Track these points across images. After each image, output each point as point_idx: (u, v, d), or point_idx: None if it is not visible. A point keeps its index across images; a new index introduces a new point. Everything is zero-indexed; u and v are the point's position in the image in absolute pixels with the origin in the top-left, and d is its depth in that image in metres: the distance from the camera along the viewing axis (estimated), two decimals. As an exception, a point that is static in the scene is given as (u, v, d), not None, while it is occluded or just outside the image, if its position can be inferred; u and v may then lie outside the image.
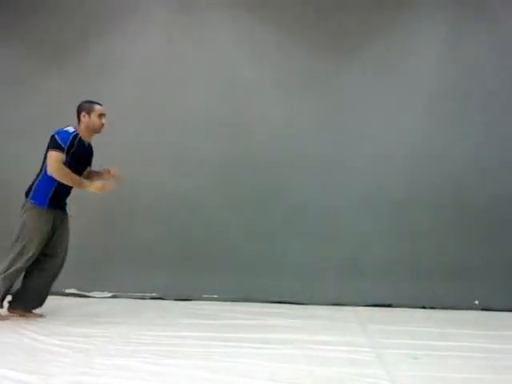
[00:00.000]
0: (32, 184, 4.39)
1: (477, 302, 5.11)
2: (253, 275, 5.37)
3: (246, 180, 5.52)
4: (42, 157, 4.38)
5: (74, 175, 4.32)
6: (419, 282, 5.25)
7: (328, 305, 5.25)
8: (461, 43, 5.46)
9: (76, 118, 4.46)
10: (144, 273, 5.45)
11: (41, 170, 4.39)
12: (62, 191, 4.41)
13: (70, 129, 4.37)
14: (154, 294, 5.47)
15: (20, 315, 4.44)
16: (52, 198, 4.36)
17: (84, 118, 4.43)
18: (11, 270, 4.31)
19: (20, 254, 4.32)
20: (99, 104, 4.47)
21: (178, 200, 5.55)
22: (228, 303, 5.27)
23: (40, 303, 4.53)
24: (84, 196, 4.60)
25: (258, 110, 5.54)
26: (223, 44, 5.61)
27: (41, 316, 4.48)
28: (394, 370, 3.34)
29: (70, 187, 4.42)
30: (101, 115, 4.45)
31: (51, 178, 4.30)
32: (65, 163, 4.29)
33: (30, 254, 4.33)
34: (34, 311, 4.52)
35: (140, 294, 5.46)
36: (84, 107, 4.45)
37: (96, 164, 4.63)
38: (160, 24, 5.68)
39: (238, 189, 5.53)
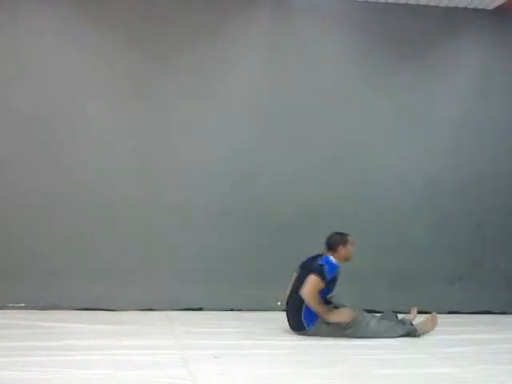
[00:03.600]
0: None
1: (279, 304, 5.37)
2: (63, 281, 5.25)
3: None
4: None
5: (323, 306, 4.53)
6: (229, 286, 5.43)
7: (139, 310, 5.26)
8: (281, 57, 5.71)
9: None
10: None
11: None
12: None
13: (335, 261, 4.61)
14: None
15: None
16: None
17: (341, 250, 4.67)
18: None
19: None
20: (348, 234, 4.75)
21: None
22: (36, 311, 5.09)
23: None
24: None
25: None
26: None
27: None
28: (196, 370, 3.46)
29: None
30: (353, 244, 4.74)
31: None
32: (321, 291, 4.52)
33: None
34: None
35: None
36: (340, 240, 4.70)
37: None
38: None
39: (50, 189, 5.37)
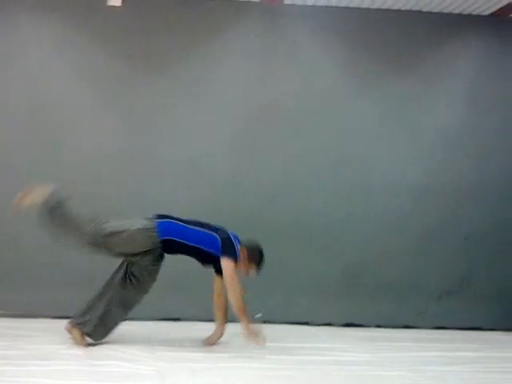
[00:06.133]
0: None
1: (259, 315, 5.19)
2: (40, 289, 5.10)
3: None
4: None
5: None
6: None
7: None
8: (270, 67, 5.68)
9: None
10: None
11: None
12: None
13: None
14: None
15: None
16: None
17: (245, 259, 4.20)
18: None
19: None
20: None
21: None
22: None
23: None
24: None
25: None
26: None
27: None
28: (171, 382, 3.31)
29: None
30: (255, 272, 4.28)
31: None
32: None
33: None
34: None
35: None
36: (255, 255, 4.22)
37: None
38: None
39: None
